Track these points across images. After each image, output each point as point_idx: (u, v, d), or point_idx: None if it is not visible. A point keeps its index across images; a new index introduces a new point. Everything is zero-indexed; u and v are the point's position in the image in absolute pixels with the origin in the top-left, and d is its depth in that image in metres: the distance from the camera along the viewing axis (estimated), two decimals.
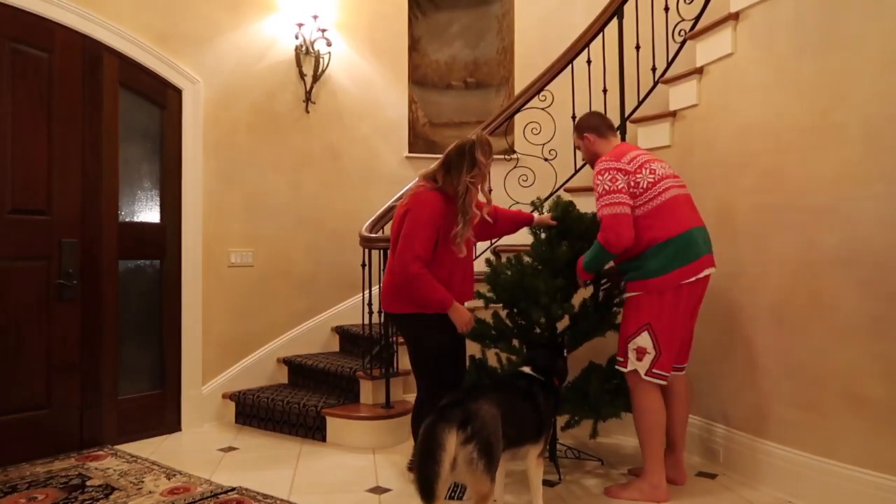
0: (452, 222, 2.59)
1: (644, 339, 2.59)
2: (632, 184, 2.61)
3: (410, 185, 3.00)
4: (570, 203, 2.98)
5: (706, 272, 2.61)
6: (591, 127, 2.90)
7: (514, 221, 3.01)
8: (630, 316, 2.66)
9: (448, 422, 2.00)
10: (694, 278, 2.57)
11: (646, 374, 2.60)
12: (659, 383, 2.62)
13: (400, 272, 2.58)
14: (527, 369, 2.57)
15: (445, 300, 2.57)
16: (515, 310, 2.92)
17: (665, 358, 2.59)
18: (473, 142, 2.61)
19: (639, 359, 2.60)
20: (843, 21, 2.46)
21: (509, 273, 2.89)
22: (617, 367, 2.74)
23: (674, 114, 3.35)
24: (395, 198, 3.77)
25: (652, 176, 2.63)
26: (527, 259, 2.92)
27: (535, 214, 3.03)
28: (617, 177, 2.60)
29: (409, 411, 3.27)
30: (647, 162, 2.66)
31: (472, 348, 3.09)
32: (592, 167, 2.82)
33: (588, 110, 3.72)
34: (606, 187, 2.60)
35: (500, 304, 3.01)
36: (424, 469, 1.94)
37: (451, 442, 1.97)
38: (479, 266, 3.18)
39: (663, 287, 2.57)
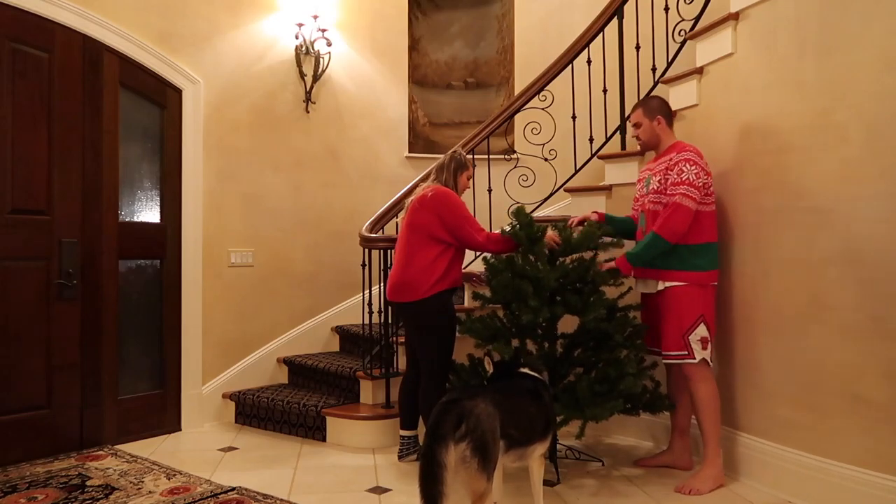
0: None
1: (703, 329, 2.77)
2: (708, 184, 2.78)
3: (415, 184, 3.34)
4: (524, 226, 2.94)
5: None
6: (664, 112, 2.97)
7: None
8: (683, 308, 2.78)
9: (444, 438, 2.01)
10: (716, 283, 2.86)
11: (711, 361, 2.81)
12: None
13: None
14: (526, 369, 2.57)
15: (510, 242, 3.00)
16: (516, 310, 2.92)
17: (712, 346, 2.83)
18: (455, 154, 3.19)
19: (704, 347, 2.76)
20: (843, 21, 2.46)
21: (504, 273, 2.91)
22: (672, 361, 2.82)
23: (674, 113, 3.34)
24: (395, 198, 3.77)
25: (713, 184, 2.83)
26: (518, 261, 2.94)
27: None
28: (701, 175, 2.75)
29: None
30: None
31: (470, 348, 3.10)
32: (644, 148, 3.17)
33: (588, 110, 3.75)
34: (691, 178, 2.74)
35: (499, 304, 3.02)
36: (429, 490, 1.96)
37: (451, 458, 2.00)
38: (477, 266, 3.19)
39: (707, 281, 2.81)
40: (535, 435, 2.36)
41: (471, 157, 3.80)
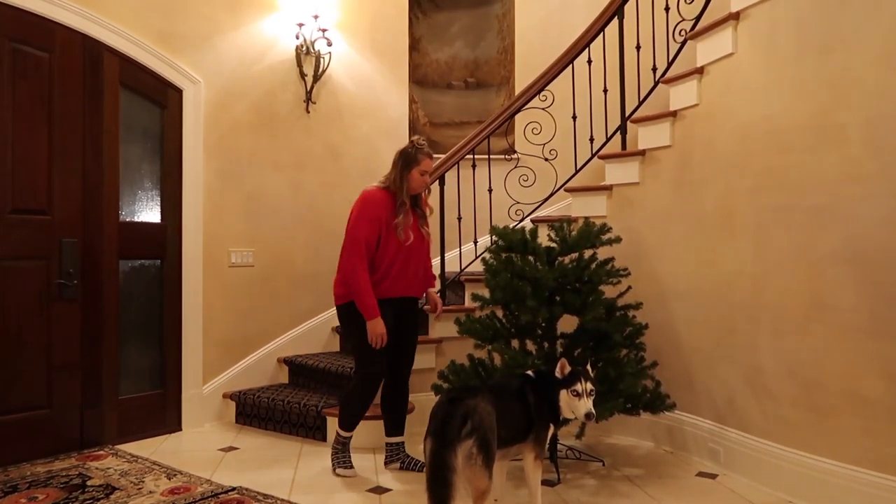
0: (394, 214, 2.94)
1: None
2: None
3: None
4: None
5: None
6: None
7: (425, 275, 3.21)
8: None
9: (452, 442, 2.02)
10: None
11: None
12: None
13: (344, 266, 2.95)
14: (529, 372, 2.57)
15: (371, 309, 2.87)
16: (515, 311, 2.93)
17: None
18: (406, 147, 3.00)
19: None
20: (844, 21, 2.46)
21: (503, 273, 2.91)
22: None
23: (674, 114, 3.35)
24: None
25: None
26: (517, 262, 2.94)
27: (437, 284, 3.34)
28: None
29: (410, 412, 3.29)
30: None
31: (470, 348, 3.10)
32: None
33: (588, 110, 3.75)
34: None
35: (498, 304, 3.02)
36: (439, 492, 1.97)
37: (460, 461, 2.00)
38: (477, 266, 3.19)
39: None
40: (518, 435, 2.36)
41: (471, 157, 3.82)
